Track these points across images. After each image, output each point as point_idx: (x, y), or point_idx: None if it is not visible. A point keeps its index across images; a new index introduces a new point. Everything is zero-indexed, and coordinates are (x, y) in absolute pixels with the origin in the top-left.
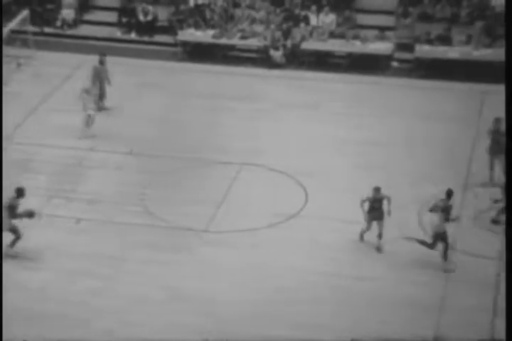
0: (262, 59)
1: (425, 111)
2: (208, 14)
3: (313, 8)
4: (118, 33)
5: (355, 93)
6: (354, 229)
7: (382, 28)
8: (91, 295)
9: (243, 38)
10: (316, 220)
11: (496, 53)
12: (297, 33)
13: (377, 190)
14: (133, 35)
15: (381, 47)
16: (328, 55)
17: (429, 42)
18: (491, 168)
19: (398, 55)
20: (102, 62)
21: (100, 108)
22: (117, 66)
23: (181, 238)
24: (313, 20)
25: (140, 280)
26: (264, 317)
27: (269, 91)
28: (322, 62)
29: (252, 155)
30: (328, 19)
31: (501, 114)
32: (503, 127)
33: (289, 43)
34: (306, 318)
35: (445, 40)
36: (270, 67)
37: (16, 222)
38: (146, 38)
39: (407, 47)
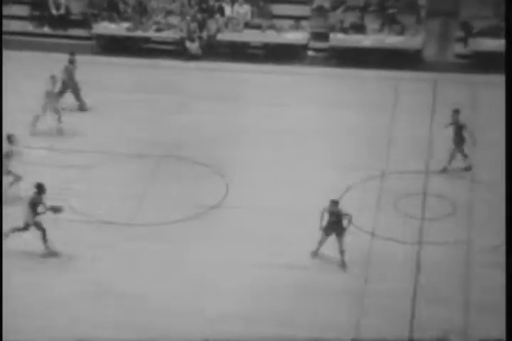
0: (178, 51)
1: (342, 99)
2: (121, 7)
3: None
4: (30, 27)
5: (273, 83)
6: (277, 220)
7: (297, 18)
8: (20, 291)
9: (158, 30)
10: (238, 211)
11: (408, 41)
12: (212, 24)
13: (334, 203)
14: (46, 29)
15: (296, 36)
16: (244, 45)
17: (344, 30)
18: (452, 156)
19: (314, 44)
20: (71, 62)
21: (81, 107)
22: (31, 60)
23: (105, 232)
24: (228, 11)
25: (65, 276)
26: (192, 311)
27: (187, 83)
28: (239, 53)
29: (173, 148)
30: (243, 10)
31: (416, 99)
32: (460, 118)
33: (204, 35)
34: (231, 309)
35: (359, 28)
36: (187, 59)
37: (38, 217)
38: (60, 32)
39: (323, 37)
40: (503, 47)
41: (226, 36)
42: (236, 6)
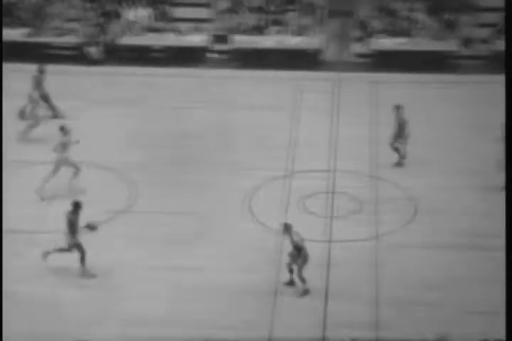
0: (79, 56)
1: (244, 100)
2: (19, 12)
3: (128, 2)
4: None
5: (176, 86)
6: (182, 222)
7: (198, 21)
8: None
9: (58, 35)
10: (145, 215)
11: (308, 41)
12: (113, 28)
13: (286, 226)
14: None
15: (197, 39)
16: (146, 49)
17: (245, 32)
18: (397, 151)
19: (216, 46)
20: (41, 71)
21: (55, 115)
22: None
23: (11, 240)
24: (129, 15)
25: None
26: (107, 316)
27: (88, 88)
28: (140, 56)
29: (78, 153)
30: (143, 13)
31: (318, 99)
32: (402, 113)
33: (105, 39)
34: (139, 314)
35: (259, 29)
36: (88, 64)
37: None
38: None
39: (224, 39)
40: (401, 45)
41: (127, 40)
42: (137, 10)
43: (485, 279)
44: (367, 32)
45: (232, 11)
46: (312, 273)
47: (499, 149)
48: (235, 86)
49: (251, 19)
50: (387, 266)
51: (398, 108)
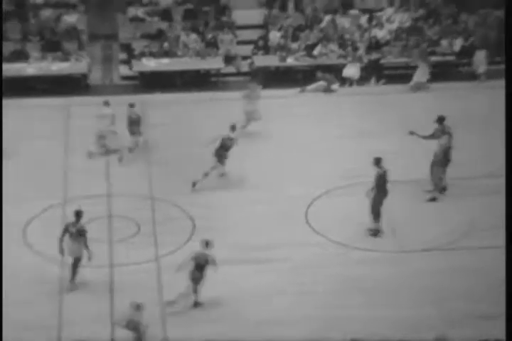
0: None
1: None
2: None
3: None
4: None
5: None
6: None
7: None
8: None
9: None
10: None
11: (73, 66)
12: None
13: (205, 243)
14: None
15: None
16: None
17: (6, 59)
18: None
19: None
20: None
21: None
22: None
23: None
24: None
25: None
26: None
27: None
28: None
29: None
30: None
31: (88, 124)
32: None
33: None
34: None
35: (21, 56)
36: None
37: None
38: None
39: None
40: (166, 65)
41: None
42: None
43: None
44: (131, 54)
45: None
46: (97, 299)
47: None
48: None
49: (11, 46)
50: (172, 286)
51: (232, 127)
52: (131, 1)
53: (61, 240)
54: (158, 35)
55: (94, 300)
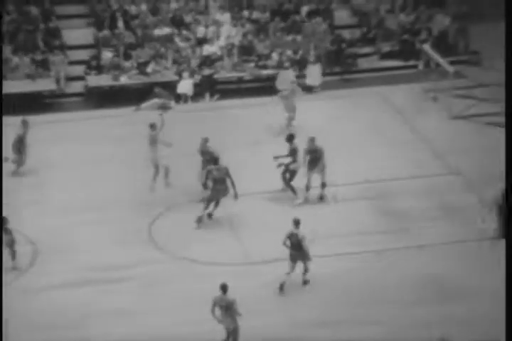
0: None
1: None
2: None
3: None
4: None
5: None
6: None
7: None
8: None
9: None
10: None
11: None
12: None
13: (296, 222)
14: None
15: None
16: None
17: None
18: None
19: None
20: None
21: None
22: None
23: None
24: None
25: None
26: None
27: None
28: None
29: None
30: None
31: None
32: (205, 146)
33: None
34: None
35: None
36: None
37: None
38: None
39: None
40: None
41: None
42: None
43: None
44: None
45: None
46: None
47: None
48: None
49: None
50: (17, 311)
51: (204, 140)
52: None
53: None
54: None
55: None
